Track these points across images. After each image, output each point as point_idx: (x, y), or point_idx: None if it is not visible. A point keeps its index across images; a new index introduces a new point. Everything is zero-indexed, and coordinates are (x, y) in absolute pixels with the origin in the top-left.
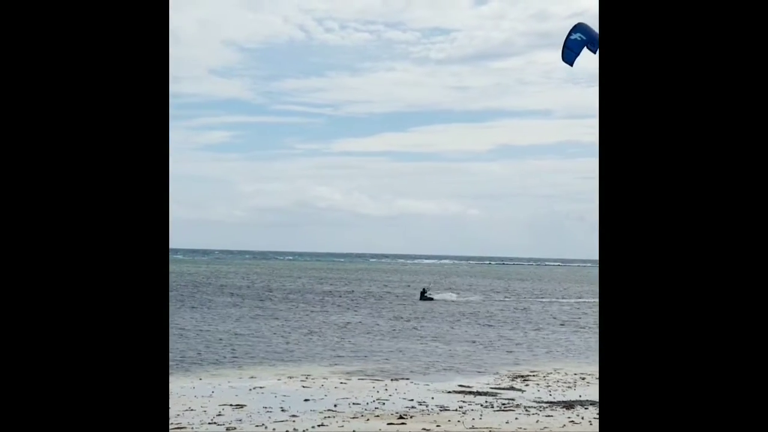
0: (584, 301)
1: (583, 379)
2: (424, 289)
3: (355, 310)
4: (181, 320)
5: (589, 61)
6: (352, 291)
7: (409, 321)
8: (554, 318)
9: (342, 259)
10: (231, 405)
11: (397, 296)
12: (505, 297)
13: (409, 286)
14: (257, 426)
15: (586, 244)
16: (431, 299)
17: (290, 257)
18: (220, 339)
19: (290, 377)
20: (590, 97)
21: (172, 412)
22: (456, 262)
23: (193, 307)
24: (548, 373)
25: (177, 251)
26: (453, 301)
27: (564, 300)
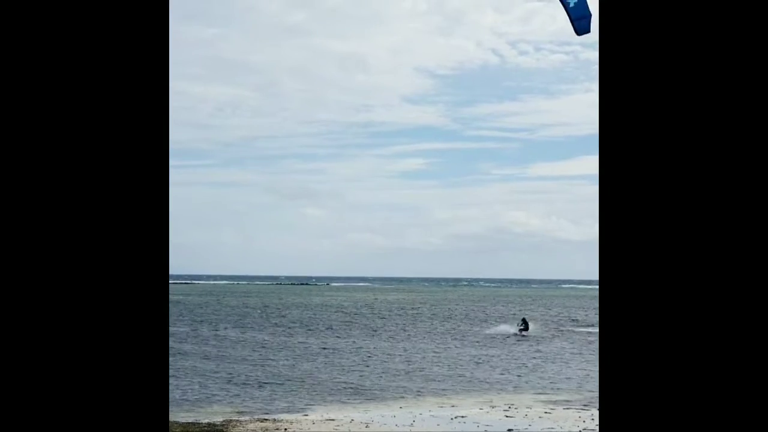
0: None
1: None
2: (523, 320)
3: (556, 334)
4: (378, 345)
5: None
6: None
7: None
8: None
9: (536, 285)
10: None
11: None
12: None
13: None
14: None
15: None
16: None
17: (486, 284)
18: (419, 366)
19: (492, 406)
20: None
21: None
22: None
23: (385, 334)
24: None
25: (371, 279)
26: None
27: None
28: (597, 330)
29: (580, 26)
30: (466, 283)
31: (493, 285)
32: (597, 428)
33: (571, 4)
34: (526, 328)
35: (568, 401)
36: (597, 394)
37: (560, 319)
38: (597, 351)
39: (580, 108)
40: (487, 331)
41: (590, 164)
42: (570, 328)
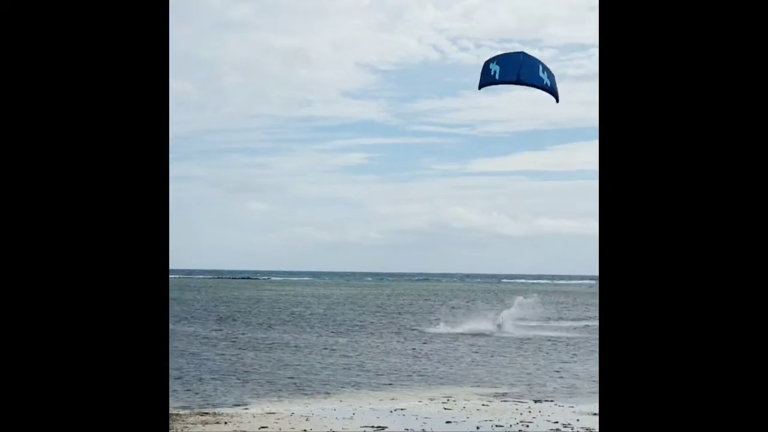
0: None
1: None
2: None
3: (489, 329)
4: (317, 341)
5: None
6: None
7: (553, 342)
8: None
9: (479, 280)
10: (372, 427)
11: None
12: None
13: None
14: None
15: None
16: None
17: (428, 278)
18: (360, 360)
19: (431, 399)
20: None
21: None
22: (597, 281)
23: (327, 330)
24: None
25: (312, 274)
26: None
27: None
28: (538, 324)
29: (555, 92)
30: (407, 278)
31: (434, 279)
32: (533, 420)
33: (547, 83)
34: (500, 324)
35: (505, 394)
36: (534, 386)
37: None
38: (538, 343)
39: (520, 104)
40: (459, 330)
41: (529, 160)
42: (514, 323)
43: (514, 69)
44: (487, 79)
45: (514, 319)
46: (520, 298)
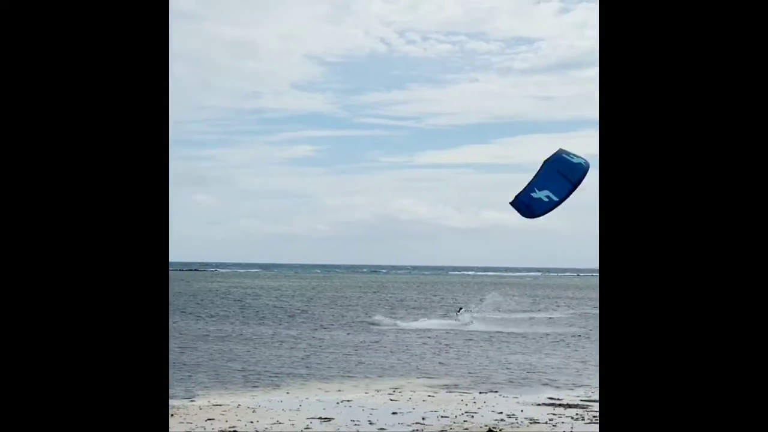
0: None
1: None
2: (461, 308)
3: (436, 322)
4: (266, 333)
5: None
6: (444, 303)
7: (497, 334)
8: None
9: (428, 272)
10: (319, 418)
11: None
12: (591, 308)
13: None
14: None
15: None
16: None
17: (376, 270)
18: (308, 352)
19: (377, 390)
20: None
21: (260, 426)
22: (544, 273)
23: (276, 322)
24: None
25: (260, 266)
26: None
27: None
28: (488, 316)
29: (582, 172)
30: (355, 270)
31: (382, 272)
32: (478, 411)
33: (582, 161)
34: (448, 316)
35: (451, 385)
36: (481, 378)
37: (452, 306)
38: (487, 336)
39: (466, 98)
40: (407, 322)
41: (475, 153)
42: (462, 315)
43: (556, 179)
44: (543, 208)
45: (462, 311)
46: (471, 291)
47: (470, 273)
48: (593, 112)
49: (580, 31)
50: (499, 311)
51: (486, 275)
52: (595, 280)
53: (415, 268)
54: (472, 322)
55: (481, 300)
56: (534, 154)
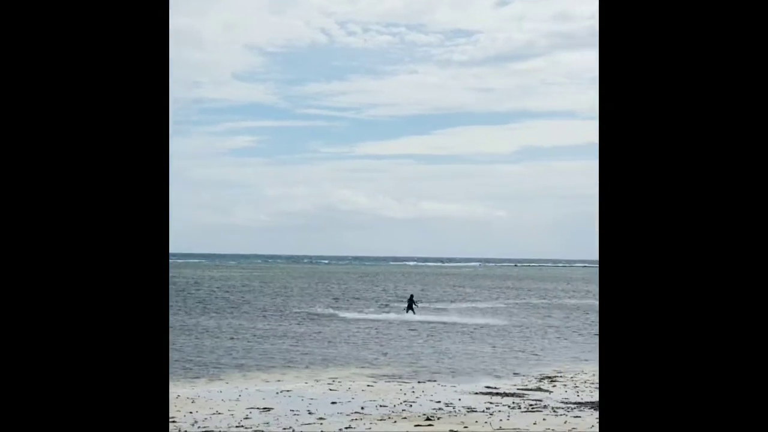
0: None
1: None
2: (411, 296)
3: (377, 312)
4: (207, 324)
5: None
6: (382, 293)
7: (439, 324)
8: (582, 318)
9: (369, 263)
10: (258, 408)
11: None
12: (530, 298)
13: (423, 290)
14: (284, 429)
15: None
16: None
17: (317, 261)
18: (249, 343)
19: (317, 380)
20: None
21: (199, 416)
22: (483, 264)
23: (218, 312)
24: (576, 374)
25: (201, 256)
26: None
27: (592, 301)
28: (428, 306)
29: None
30: (296, 260)
31: (323, 262)
32: (416, 400)
33: None
34: (410, 307)
35: (390, 375)
36: (419, 367)
37: (396, 297)
38: (427, 326)
39: (405, 89)
40: (347, 313)
41: (414, 144)
42: (404, 306)
43: None
44: None
45: (404, 301)
46: (412, 282)
47: (411, 263)
48: (532, 103)
49: (518, 23)
50: (440, 301)
51: (426, 266)
52: (534, 271)
53: (355, 258)
54: (414, 312)
55: (422, 290)
56: (473, 145)
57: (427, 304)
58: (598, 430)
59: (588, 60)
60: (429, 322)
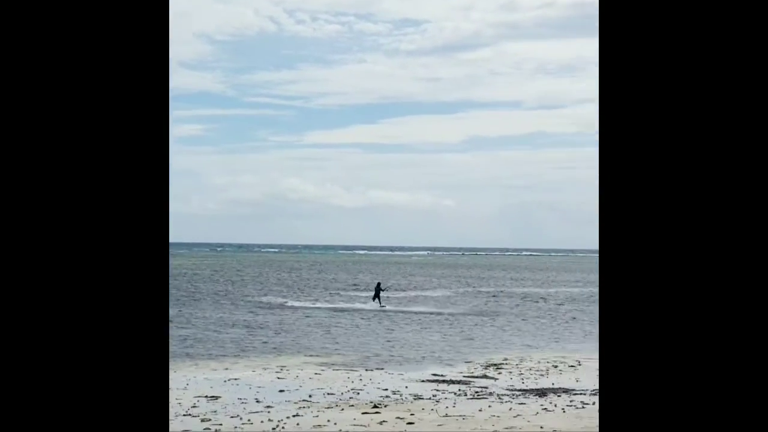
0: (561, 291)
1: (555, 366)
2: (378, 284)
3: (327, 301)
4: None
5: (559, 50)
6: (332, 281)
7: (383, 312)
8: (533, 307)
9: (318, 251)
10: (206, 397)
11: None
12: (479, 287)
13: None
14: (232, 417)
15: (558, 233)
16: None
17: (264, 249)
18: (199, 332)
19: (265, 369)
20: (561, 87)
21: None
22: (431, 252)
23: (176, 303)
24: (521, 361)
25: None
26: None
27: (539, 289)
28: (386, 295)
29: None
30: (246, 249)
31: (272, 251)
32: (364, 387)
33: None
34: (377, 296)
35: (337, 363)
36: (367, 355)
37: (343, 285)
38: (378, 315)
39: (354, 78)
40: (295, 301)
41: (363, 133)
42: (355, 295)
43: None
44: None
45: (354, 290)
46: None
47: (360, 252)
48: (478, 93)
49: (466, 13)
50: (391, 290)
51: (376, 254)
52: (480, 259)
53: (305, 247)
54: (380, 301)
55: (375, 279)
56: (422, 134)
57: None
58: (598, 429)
59: (533, 50)
60: (377, 310)
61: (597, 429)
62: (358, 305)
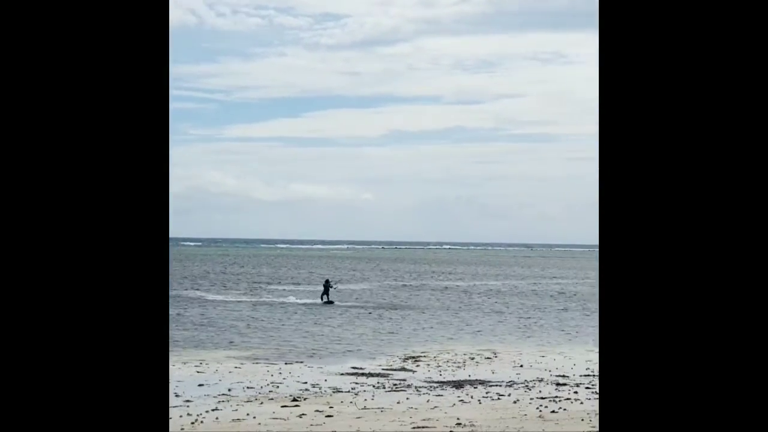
0: (482, 284)
1: (472, 359)
2: (327, 281)
3: (252, 295)
4: None
5: (476, 46)
6: (258, 275)
7: (309, 307)
8: (455, 300)
9: (240, 245)
10: None
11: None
12: (402, 280)
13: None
14: None
15: (475, 228)
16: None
17: (185, 243)
18: None
19: (184, 363)
20: (479, 82)
21: None
22: (351, 246)
23: None
24: (439, 354)
25: None
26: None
27: (461, 283)
28: (308, 289)
29: None
30: (170, 242)
31: (194, 245)
32: (283, 381)
33: None
34: (326, 292)
35: (257, 357)
36: (286, 349)
37: (260, 280)
38: (301, 308)
39: (275, 71)
40: (217, 295)
41: (284, 127)
42: (275, 288)
43: None
44: None
45: (276, 284)
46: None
47: (282, 246)
48: (398, 88)
49: (385, 8)
50: (312, 284)
51: (298, 248)
52: (401, 252)
53: (225, 240)
54: (328, 298)
55: (298, 273)
56: (342, 128)
57: (299, 287)
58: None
59: (451, 45)
60: (297, 304)
61: (512, 419)
62: (280, 299)
